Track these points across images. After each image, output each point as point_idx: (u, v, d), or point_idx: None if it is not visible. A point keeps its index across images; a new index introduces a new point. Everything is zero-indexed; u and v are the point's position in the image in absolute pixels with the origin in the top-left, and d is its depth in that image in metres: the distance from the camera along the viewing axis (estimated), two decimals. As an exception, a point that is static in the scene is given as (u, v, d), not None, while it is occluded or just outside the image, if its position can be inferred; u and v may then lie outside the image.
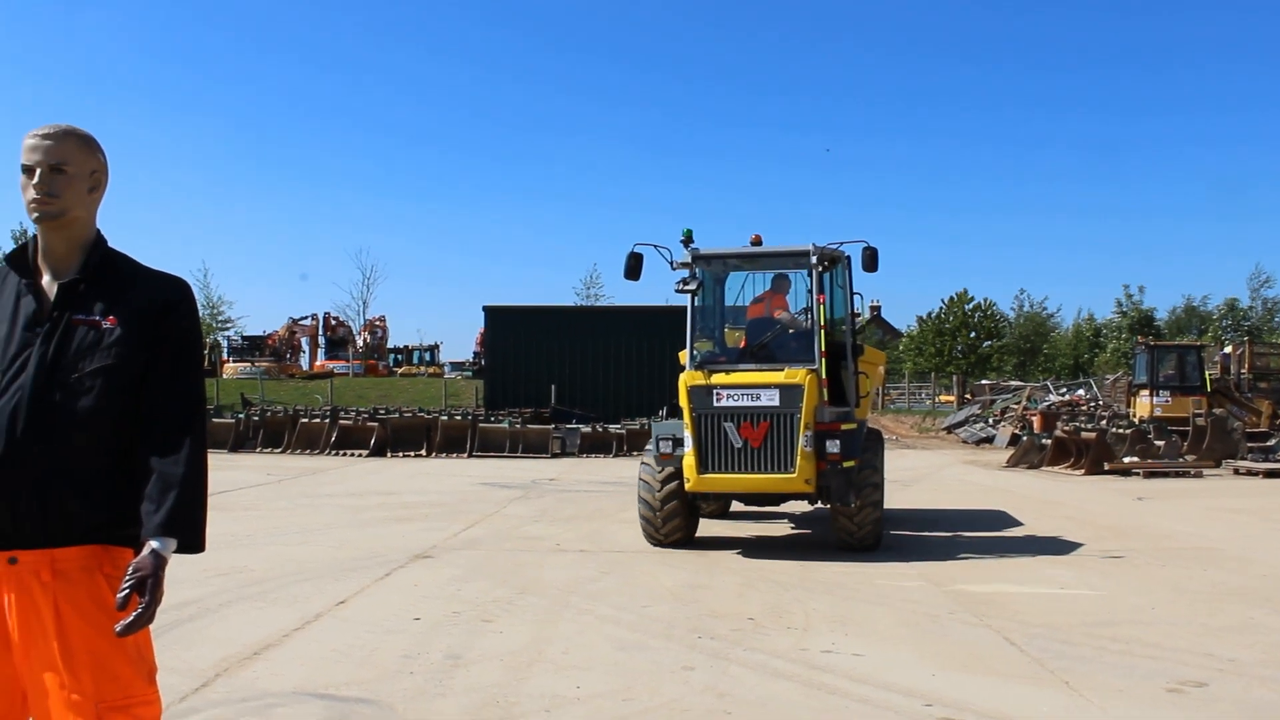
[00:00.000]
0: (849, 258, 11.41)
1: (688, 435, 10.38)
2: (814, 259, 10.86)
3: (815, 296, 10.82)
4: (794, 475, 10.15)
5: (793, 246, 11.19)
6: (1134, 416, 28.01)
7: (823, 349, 10.56)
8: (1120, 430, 22.58)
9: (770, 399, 10.19)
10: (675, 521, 10.80)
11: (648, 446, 11.18)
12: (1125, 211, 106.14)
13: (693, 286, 10.84)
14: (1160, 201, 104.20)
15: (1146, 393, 28.48)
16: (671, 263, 11.06)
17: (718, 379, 10.38)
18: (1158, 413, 27.18)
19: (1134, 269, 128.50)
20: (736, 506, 13.48)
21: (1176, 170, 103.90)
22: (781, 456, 10.18)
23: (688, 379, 10.50)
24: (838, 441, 10.19)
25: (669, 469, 10.66)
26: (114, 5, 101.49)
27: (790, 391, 10.20)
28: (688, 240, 11.08)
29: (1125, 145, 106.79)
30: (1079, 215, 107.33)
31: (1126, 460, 20.72)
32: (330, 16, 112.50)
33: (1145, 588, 8.83)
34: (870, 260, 10.74)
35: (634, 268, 11.03)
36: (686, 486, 10.47)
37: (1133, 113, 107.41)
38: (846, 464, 10.22)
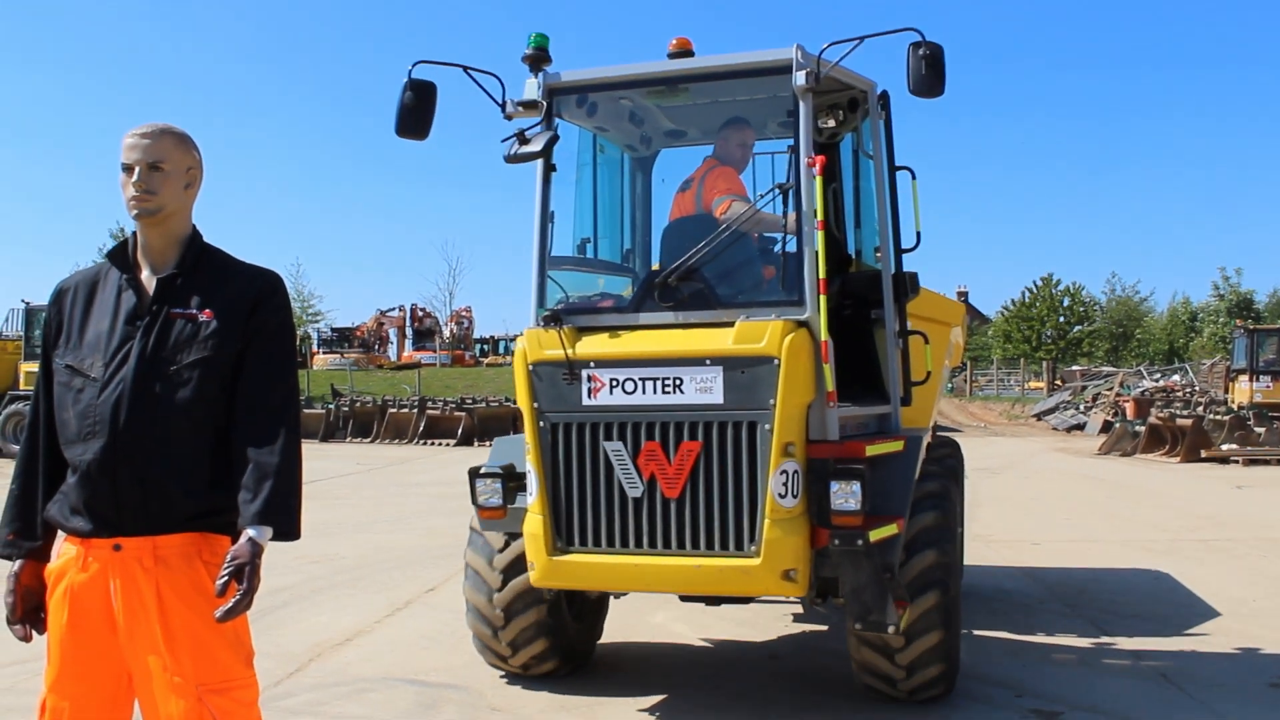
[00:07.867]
0: (884, 95, 5.64)
1: (531, 468, 5.07)
2: (802, 80, 4.99)
3: (805, 161, 4.99)
4: (754, 561, 4.71)
5: (753, 56, 5.23)
6: (1232, 402, 27.25)
7: (822, 276, 4.86)
8: (1218, 417, 21.95)
9: (703, 389, 4.80)
10: (530, 637, 5.53)
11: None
12: (1219, 191, 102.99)
13: (538, 147, 5.23)
14: (1256, 178, 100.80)
15: (1246, 378, 27.70)
16: (504, 104, 5.39)
17: (590, 347, 5.01)
18: (1258, 398, 26.40)
19: (1231, 250, 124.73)
20: None
21: (1271, 144, 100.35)
22: (726, 519, 4.76)
23: (529, 346, 5.08)
24: (856, 485, 4.64)
25: (510, 537, 5.50)
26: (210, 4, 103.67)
27: (747, 372, 4.75)
28: (537, 59, 5.33)
29: (1216, 119, 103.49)
30: (1170, 196, 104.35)
31: (1224, 448, 20.14)
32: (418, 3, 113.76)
33: (1247, 580, 8.57)
34: (928, 70, 4.82)
35: (414, 112, 5.20)
36: (530, 576, 5.11)
37: (1220, 84, 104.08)
38: (877, 534, 4.67)
